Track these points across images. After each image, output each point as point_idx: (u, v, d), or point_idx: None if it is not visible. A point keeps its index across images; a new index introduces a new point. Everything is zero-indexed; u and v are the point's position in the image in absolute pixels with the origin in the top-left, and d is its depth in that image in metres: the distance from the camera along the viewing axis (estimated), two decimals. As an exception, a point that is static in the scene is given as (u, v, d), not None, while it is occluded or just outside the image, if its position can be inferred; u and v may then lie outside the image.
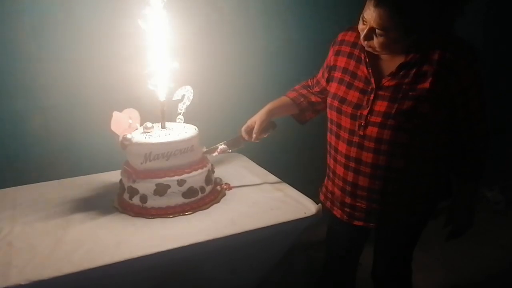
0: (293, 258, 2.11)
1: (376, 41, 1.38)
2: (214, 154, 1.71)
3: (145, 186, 1.52)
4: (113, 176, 1.79)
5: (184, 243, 1.36)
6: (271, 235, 1.48)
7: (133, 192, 1.55)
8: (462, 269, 2.47)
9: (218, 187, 1.69)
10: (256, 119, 1.66)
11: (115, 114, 1.57)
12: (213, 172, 1.70)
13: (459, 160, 1.51)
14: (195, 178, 1.56)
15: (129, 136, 1.54)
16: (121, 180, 1.62)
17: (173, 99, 1.69)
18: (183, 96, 1.69)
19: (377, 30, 1.36)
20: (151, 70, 1.60)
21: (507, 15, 3.00)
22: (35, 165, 1.97)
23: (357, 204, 1.55)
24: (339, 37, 1.60)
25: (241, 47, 2.25)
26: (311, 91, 1.74)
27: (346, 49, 1.56)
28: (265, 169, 1.93)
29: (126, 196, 1.58)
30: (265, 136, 1.71)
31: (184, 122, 1.71)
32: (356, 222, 1.57)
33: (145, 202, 1.53)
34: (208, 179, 1.62)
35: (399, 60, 1.43)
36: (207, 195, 1.61)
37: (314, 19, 2.40)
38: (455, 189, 1.55)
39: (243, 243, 1.44)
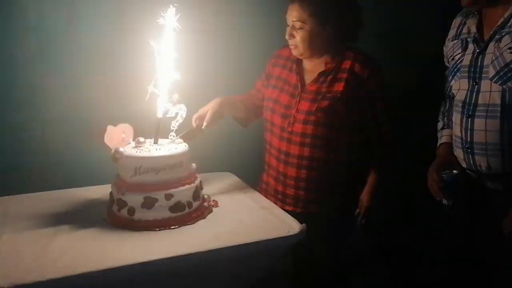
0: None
1: (298, 37, 1.75)
2: None
3: (134, 199, 1.56)
4: (105, 189, 1.81)
5: (166, 255, 1.38)
6: (253, 253, 1.50)
7: (122, 204, 1.58)
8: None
9: (206, 204, 1.72)
10: (209, 108, 1.82)
11: (109, 128, 1.63)
12: (202, 188, 1.73)
13: (370, 155, 1.85)
14: (182, 193, 1.60)
15: (121, 149, 1.59)
16: (111, 192, 1.66)
17: (167, 116, 1.74)
18: (177, 114, 1.74)
19: (296, 25, 1.74)
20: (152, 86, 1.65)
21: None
22: (31, 175, 2.02)
23: (287, 191, 1.86)
24: (276, 53, 1.97)
25: (236, 67, 2.32)
26: (255, 97, 2.02)
27: (281, 61, 1.93)
28: (254, 188, 1.96)
29: (115, 208, 1.61)
30: (215, 127, 1.83)
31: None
32: (287, 207, 1.82)
33: (133, 214, 1.56)
34: (196, 195, 1.66)
35: (320, 69, 1.81)
36: (194, 210, 1.64)
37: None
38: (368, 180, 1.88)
39: (225, 258, 1.46)
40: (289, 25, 1.77)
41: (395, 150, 1.88)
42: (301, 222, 1.61)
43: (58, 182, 1.99)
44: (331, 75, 1.79)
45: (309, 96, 1.80)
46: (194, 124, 1.81)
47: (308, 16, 1.72)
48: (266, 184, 1.96)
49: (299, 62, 1.87)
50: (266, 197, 1.86)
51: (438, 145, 1.82)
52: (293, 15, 1.73)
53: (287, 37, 1.78)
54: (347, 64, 1.78)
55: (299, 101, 1.81)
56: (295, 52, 1.82)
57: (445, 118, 1.83)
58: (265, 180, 1.97)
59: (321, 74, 1.80)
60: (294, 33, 1.76)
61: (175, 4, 1.59)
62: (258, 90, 2.02)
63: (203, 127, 1.81)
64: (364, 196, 1.89)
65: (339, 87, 1.77)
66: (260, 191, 1.94)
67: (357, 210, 1.91)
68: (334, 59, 1.80)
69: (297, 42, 1.76)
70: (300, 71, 1.86)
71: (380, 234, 2.11)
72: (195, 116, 1.82)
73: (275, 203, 1.83)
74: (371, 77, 1.77)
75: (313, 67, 1.85)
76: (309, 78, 1.85)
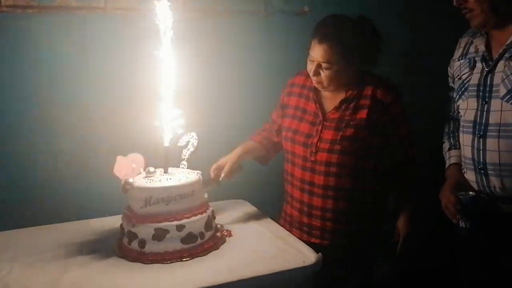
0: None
1: (323, 76, 1.70)
2: None
3: (144, 231, 1.53)
4: (117, 221, 1.79)
5: (177, 290, 1.34)
6: (268, 284, 1.45)
7: (132, 236, 1.55)
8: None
9: (219, 234, 1.68)
10: (228, 160, 1.80)
11: (119, 158, 1.61)
12: (214, 218, 1.69)
13: (398, 181, 1.81)
14: (194, 223, 1.56)
15: (131, 180, 1.56)
16: (121, 224, 1.63)
17: (178, 145, 1.72)
18: (188, 142, 1.72)
19: (323, 65, 1.68)
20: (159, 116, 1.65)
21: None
22: (43, 208, 1.99)
23: (313, 223, 1.79)
24: (290, 81, 1.92)
25: (249, 94, 2.30)
26: (271, 133, 1.96)
27: (296, 90, 1.87)
28: (270, 216, 1.92)
29: (125, 240, 1.58)
30: (232, 179, 1.81)
31: (187, 168, 1.72)
32: (313, 240, 1.78)
33: (143, 247, 1.52)
34: (208, 225, 1.62)
35: (340, 96, 1.76)
36: (206, 241, 1.59)
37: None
38: (400, 208, 1.83)
39: (239, 291, 1.41)
40: (312, 61, 1.70)
41: (420, 174, 1.83)
42: (327, 255, 1.57)
43: (70, 214, 1.97)
44: (353, 102, 1.74)
45: (331, 124, 1.74)
46: (212, 174, 1.79)
47: (337, 58, 1.66)
48: (290, 216, 1.88)
49: (316, 90, 1.80)
50: (291, 230, 1.82)
51: (447, 166, 1.77)
52: (321, 55, 1.66)
53: (311, 73, 1.72)
54: (368, 91, 1.73)
55: (321, 130, 1.75)
56: (317, 86, 1.76)
57: (451, 138, 1.79)
58: (288, 212, 1.89)
59: (343, 101, 1.74)
60: (320, 71, 1.70)
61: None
62: (274, 121, 1.96)
63: (220, 179, 1.78)
64: (401, 224, 1.83)
65: (362, 114, 1.72)
66: (284, 224, 1.89)
67: (394, 238, 1.85)
68: (354, 85, 1.75)
69: (321, 79, 1.71)
70: (318, 99, 1.80)
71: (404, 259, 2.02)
72: (213, 166, 1.80)
73: (300, 236, 1.78)
74: (395, 103, 1.73)
75: (332, 94, 1.78)
76: (329, 105, 1.79)
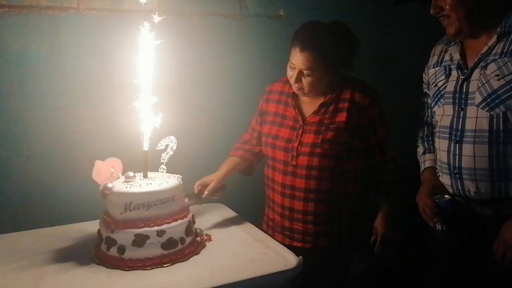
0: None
1: (305, 82, 1.73)
2: None
3: (124, 237, 1.50)
4: (92, 226, 1.75)
5: (160, 297, 1.32)
6: (250, 288, 1.46)
7: (111, 242, 1.52)
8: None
9: (199, 238, 1.67)
10: (214, 178, 1.82)
11: (97, 163, 1.57)
12: (194, 222, 1.68)
13: (377, 181, 1.86)
14: (175, 228, 1.55)
15: (110, 185, 1.53)
16: (99, 230, 1.60)
17: (157, 149, 1.70)
18: (167, 146, 1.71)
19: (305, 72, 1.71)
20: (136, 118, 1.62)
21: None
22: (13, 213, 1.93)
23: (295, 226, 1.81)
24: (267, 88, 1.94)
25: (225, 96, 2.29)
26: (252, 143, 1.98)
27: (274, 97, 1.90)
28: (248, 220, 1.92)
29: (103, 247, 1.55)
30: (215, 197, 1.84)
31: (166, 172, 1.71)
32: (295, 243, 1.80)
33: (123, 253, 1.50)
34: (189, 230, 1.61)
35: (319, 100, 1.79)
36: (186, 246, 1.58)
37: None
38: (379, 207, 1.88)
39: (221, 296, 1.41)
40: (294, 68, 1.72)
41: (400, 175, 1.87)
42: (309, 258, 1.58)
43: (42, 219, 1.92)
44: (332, 106, 1.77)
45: (311, 128, 1.77)
46: (196, 190, 1.79)
47: (318, 64, 1.69)
48: (272, 221, 1.90)
49: (295, 95, 1.83)
50: (274, 235, 1.84)
51: (421, 170, 1.81)
52: (303, 62, 1.69)
53: (292, 80, 1.74)
54: (347, 94, 1.77)
55: (301, 134, 1.77)
56: (298, 92, 1.79)
57: (425, 142, 1.84)
58: (270, 217, 1.91)
59: (322, 105, 1.78)
60: (302, 78, 1.72)
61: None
62: (254, 129, 1.98)
63: (203, 196, 1.78)
64: (379, 223, 1.87)
65: (341, 117, 1.75)
66: (266, 229, 1.91)
67: (372, 238, 1.89)
68: (333, 89, 1.78)
69: (303, 86, 1.74)
70: (297, 105, 1.83)
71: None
72: (198, 182, 1.81)
73: (283, 240, 1.80)
74: (373, 105, 1.77)
75: (311, 99, 1.81)
76: (308, 109, 1.82)
